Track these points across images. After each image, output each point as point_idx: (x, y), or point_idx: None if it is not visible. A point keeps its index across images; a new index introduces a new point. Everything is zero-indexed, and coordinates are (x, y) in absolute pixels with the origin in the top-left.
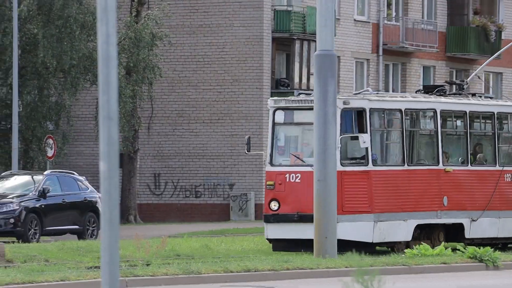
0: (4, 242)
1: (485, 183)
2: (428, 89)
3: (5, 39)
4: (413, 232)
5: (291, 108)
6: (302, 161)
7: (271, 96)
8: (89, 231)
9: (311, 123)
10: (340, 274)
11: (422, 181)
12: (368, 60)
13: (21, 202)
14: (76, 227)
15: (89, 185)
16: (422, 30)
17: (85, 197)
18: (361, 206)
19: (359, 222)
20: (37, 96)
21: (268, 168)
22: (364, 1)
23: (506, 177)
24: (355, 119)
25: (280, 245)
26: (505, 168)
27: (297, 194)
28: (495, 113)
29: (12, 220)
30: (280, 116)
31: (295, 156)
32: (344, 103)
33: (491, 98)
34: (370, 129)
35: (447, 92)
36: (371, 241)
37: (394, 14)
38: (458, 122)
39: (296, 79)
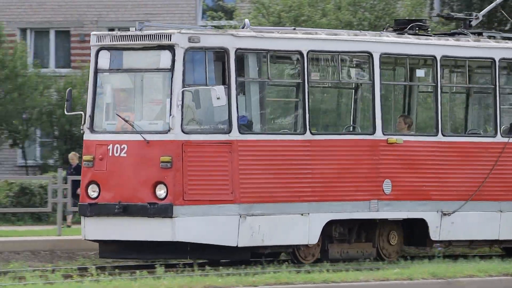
0: None
1: (473, 161)
2: (401, 26)
3: None
4: (331, 231)
5: (120, 47)
6: (132, 126)
7: None
8: None
9: (150, 70)
10: None
11: (342, 158)
12: None
13: None
14: None
15: None
16: None
17: None
18: (218, 194)
19: (214, 217)
20: None
21: (87, 135)
22: None
23: None
24: (210, 64)
25: (109, 248)
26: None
27: (122, 175)
28: (496, 61)
29: None
30: (104, 59)
31: (123, 119)
32: (191, 40)
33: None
34: (237, 80)
35: (430, 32)
36: (235, 244)
37: None
38: (420, 72)
39: None
